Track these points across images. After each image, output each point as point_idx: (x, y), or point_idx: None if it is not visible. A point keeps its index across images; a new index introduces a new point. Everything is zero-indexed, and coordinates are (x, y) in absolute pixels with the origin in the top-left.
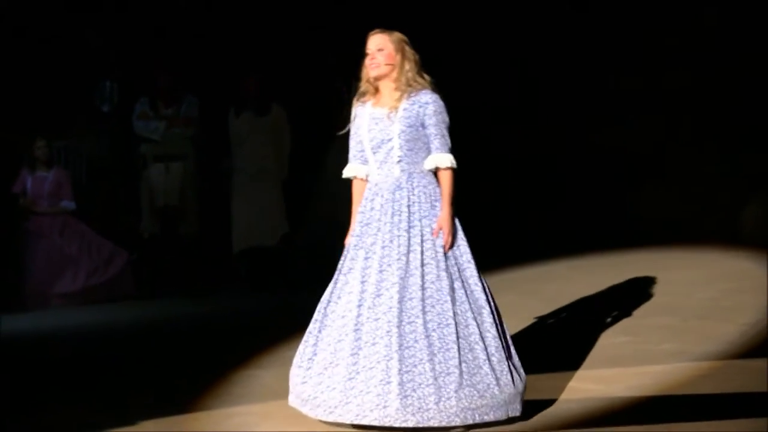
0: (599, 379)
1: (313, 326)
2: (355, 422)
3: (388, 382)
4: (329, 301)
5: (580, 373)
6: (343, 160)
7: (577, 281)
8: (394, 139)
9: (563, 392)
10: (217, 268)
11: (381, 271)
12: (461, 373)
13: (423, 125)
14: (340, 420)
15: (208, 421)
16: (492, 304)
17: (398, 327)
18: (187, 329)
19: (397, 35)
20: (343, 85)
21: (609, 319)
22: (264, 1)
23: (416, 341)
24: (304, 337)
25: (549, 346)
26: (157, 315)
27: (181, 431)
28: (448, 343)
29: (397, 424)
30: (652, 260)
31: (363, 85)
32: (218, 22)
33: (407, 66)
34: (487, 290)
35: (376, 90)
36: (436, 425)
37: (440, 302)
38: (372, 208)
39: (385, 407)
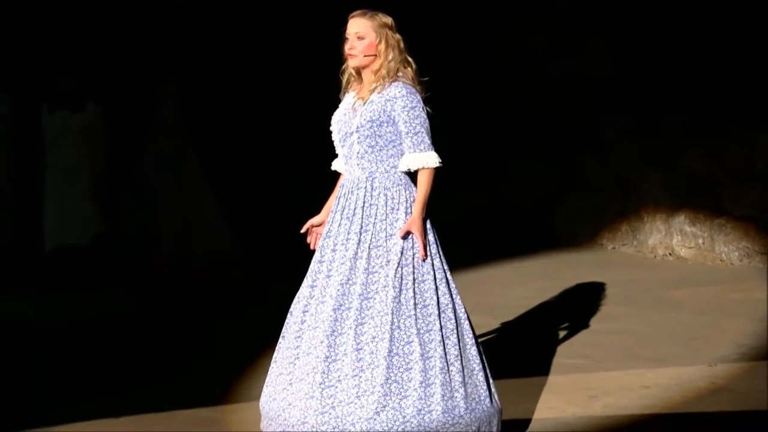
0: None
1: (282, 333)
2: None
3: (311, 397)
4: (293, 309)
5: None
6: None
7: None
8: (353, 134)
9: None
10: (30, 267)
11: (328, 276)
12: (386, 393)
13: (392, 121)
14: None
15: None
16: (452, 320)
17: (328, 337)
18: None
19: (380, 20)
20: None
21: None
22: None
23: (345, 354)
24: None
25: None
26: None
27: None
28: (379, 359)
29: None
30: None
31: (346, 74)
32: (35, 15)
33: (390, 55)
34: (447, 305)
35: (361, 78)
36: None
37: (380, 314)
38: (336, 208)
39: (303, 423)
